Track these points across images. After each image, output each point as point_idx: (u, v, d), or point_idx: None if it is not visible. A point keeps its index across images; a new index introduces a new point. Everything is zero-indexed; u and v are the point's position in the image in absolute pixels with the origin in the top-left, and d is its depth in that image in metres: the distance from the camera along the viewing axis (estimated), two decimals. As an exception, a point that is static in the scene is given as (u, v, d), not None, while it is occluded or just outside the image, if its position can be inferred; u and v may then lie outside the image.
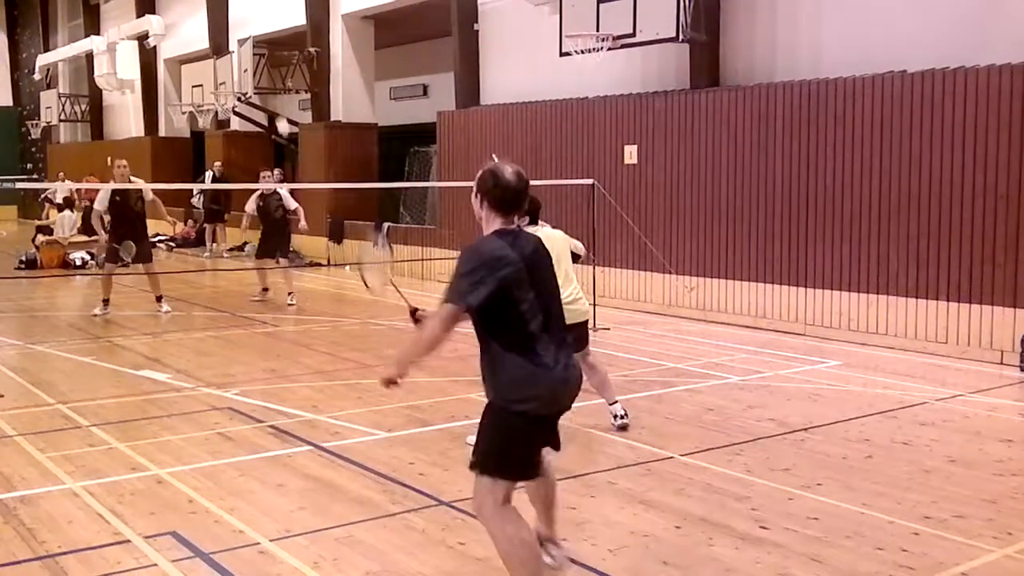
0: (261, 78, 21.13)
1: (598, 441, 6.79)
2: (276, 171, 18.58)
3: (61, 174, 26.82)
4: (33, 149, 37.90)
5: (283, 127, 21.61)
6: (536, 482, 4.18)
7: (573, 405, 4.07)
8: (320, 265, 18.95)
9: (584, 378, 4.35)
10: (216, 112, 23.25)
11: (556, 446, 4.12)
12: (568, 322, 4.36)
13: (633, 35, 12.22)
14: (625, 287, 13.46)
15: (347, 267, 18.24)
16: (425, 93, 22.28)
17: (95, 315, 12.55)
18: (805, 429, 7.12)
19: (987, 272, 9.70)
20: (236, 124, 23.85)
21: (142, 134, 28.86)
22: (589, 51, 12.54)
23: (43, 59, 34.70)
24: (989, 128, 9.62)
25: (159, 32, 26.82)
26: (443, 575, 4.55)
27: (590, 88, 13.90)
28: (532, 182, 4.14)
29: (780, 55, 11.94)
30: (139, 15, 27.67)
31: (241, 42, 21.06)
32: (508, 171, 3.93)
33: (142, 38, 27.50)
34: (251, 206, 13.85)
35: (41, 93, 34.68)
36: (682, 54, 12.71)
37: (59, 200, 22.33)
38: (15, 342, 10.96)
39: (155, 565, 4.59)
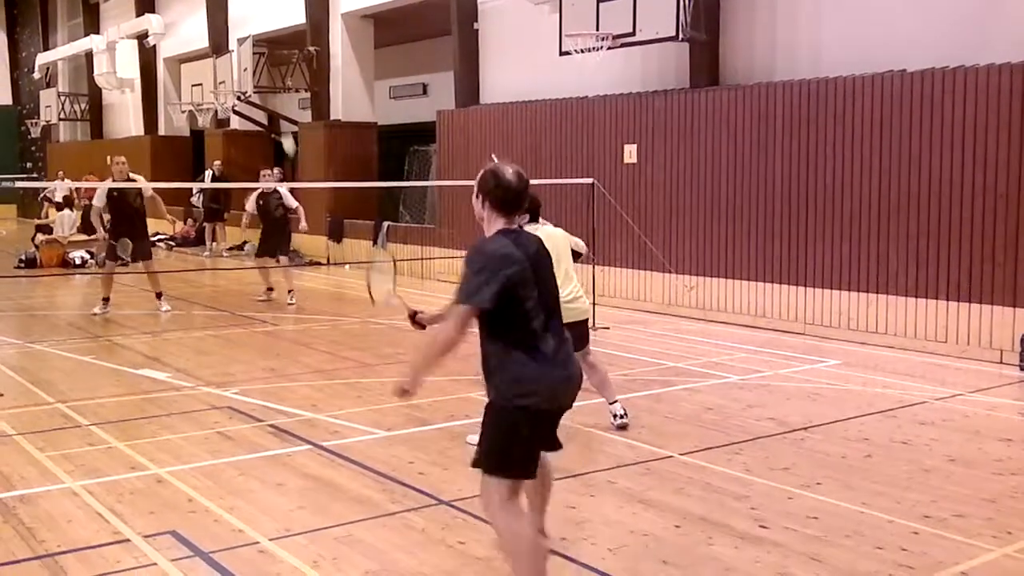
0: (261, 77, 21.12)
1: (598, 440, 6.79)
2: (276, 170, 18.56)
3: (60, 173, 26.79)
4: (33, 148, 37.89)
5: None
6: (535, 481, 4.19)
7: (574, 405, 4.08)
8: (320, 264, 18.95)
9: (584, 377, 4.36)
10: (216, 111, 23.27)
11: (555, 447, 4.13)
12: (568, 321, 4.37)
13: (633, 34, 12.22)
14: (625, 286, 13.46)
15: (346, 266, 18.25)
16: (425, 92, 22.28)
17: (95, 314, 12.55)
18: (805, 428, 7.12)
19: (987, 271, 9.70)
20: (236, 123, 23.85)
21: (142, 133, 28.85)
22: (589, 50, 12.54)
23: (43, 58, 34.70)
24: (989, 127, 9.62)
25: (159, 31, 26.83)
26: (443, 574, 4.54)
27: (590, 87, 13.90)
28: (532, 181, 4.15)
29: (780, 54, 11.94)
30: (139, 14, 27.67)
31: (241, 41, 21.06)
32: (509, 171, 3.97)
33: (142, 37, 27.50)
34: (251, 205, 13.85)
35: (41, 92, 34.67)
36: (682, 53, 12.71)
37: (58, 199, 22.32)
38: (14, 341, 10.96)
39: (154, 564, 4.59)
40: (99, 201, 12.75)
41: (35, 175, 37.03)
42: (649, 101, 13.08)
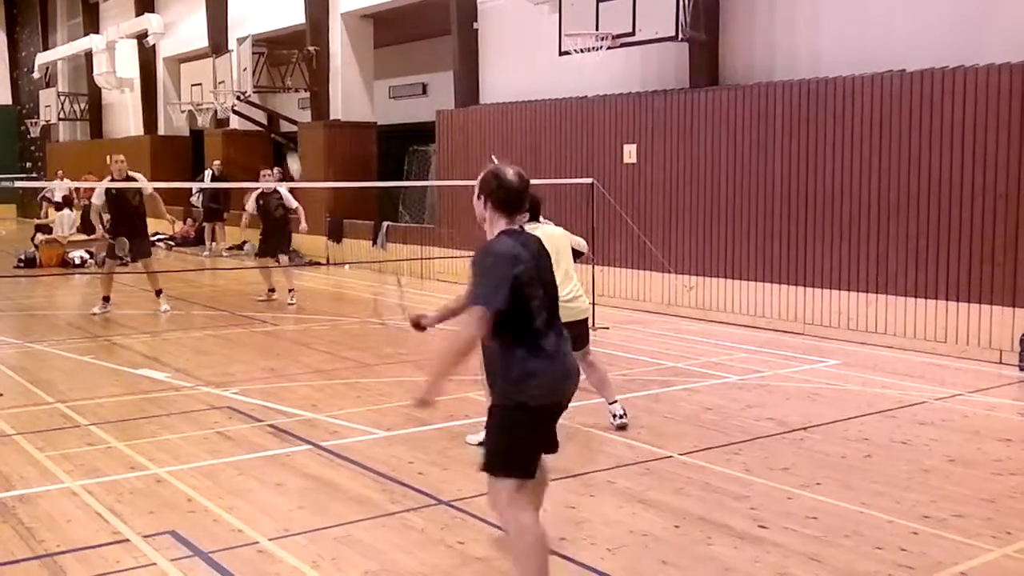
0: (260, 77, 21.12)
1: (597, 440, 6.79)
2: (276, 170, 18.57)
3: (60, 173, 26.80)
4: (32, 148, 37.89)
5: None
6: (533, 481, 4.21)
7: (572, 404, 4.08)
8: (319, 264, 18.95)
9: (583, 376, 4.37)
10: (215, 111, 23.26)
11: (554, 449, 4.14)
12: (568, 320, 4.38)
13: (632, 34, 12.22)
14: (624, 286, 13.46)
15: (346, 266, 18.25)
16: (424, 92, 22.27)
17: (94, 313, 12.55)
18: (804, 428, 7.12)
19: (986, 271, 9.70)
20: (235, 123, 23.84)
21: (141, 133, 28.84)
22: (588, 50, 12.54)
23: (42, 58, 34.69)
24: (988, 127, 9.62)
25: (158, 31, 26.81)
26: (442, 574, 4.55)
27: (589, 87, 13.90)
28: (532, 181, 4.17)
29: (779, 54, 11.94)
30: (138, 14, 27.66)
31: (240, 41, 21.05)
32: (510, 172, 4.00)
33: (141, 37, 27.49)
34: (251, 205, 13.85)
35: (40, 92, 34.66)
36: (681, 53, 12.70)
37: (58, 199, 22.33)
38: (14, 341, 10.95)
39: (154, 564, 4.59)
40: (98, 199, 12.73)
41: (35, 175, 37.03)
42: (649, 101, 13.08)
